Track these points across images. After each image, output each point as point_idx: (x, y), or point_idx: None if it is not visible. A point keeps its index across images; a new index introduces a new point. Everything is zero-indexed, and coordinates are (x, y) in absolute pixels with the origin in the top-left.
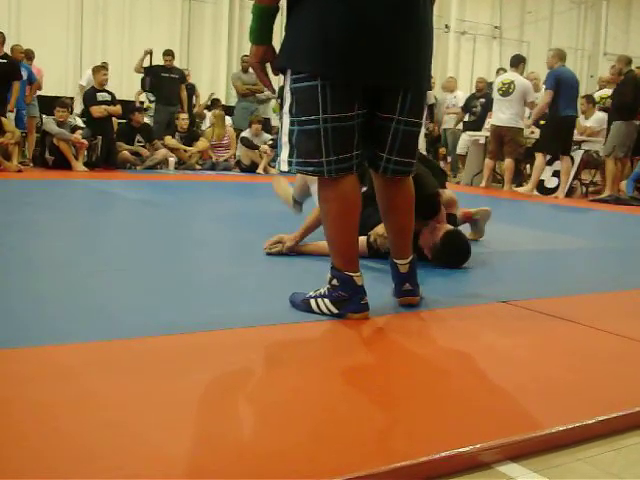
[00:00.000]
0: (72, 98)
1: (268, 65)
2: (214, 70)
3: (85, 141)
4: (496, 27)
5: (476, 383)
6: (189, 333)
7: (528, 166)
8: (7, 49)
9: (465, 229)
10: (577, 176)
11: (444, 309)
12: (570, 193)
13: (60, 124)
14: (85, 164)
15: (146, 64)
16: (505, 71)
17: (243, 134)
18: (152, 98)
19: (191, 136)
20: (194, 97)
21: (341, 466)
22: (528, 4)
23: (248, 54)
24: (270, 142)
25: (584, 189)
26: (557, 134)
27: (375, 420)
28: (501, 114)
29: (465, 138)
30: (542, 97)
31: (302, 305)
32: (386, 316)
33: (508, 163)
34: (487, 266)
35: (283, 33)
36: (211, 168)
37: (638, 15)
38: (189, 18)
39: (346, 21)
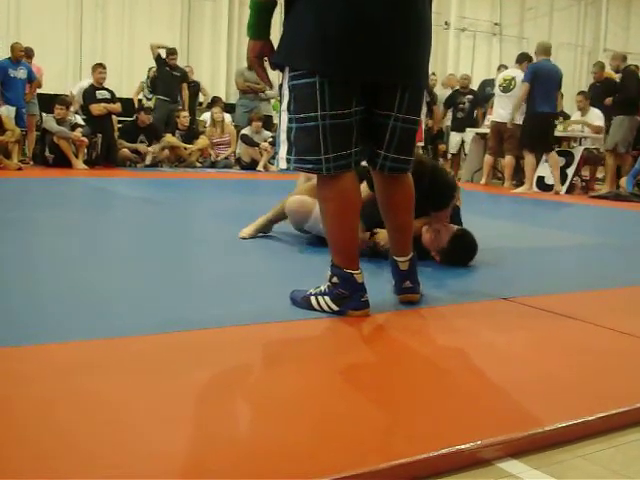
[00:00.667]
0: (68, 95)
1: (267, 62)
2: (214, 68)
3: (85, 139)
4: (496, 24)
5: (476, 380)
6: (189, 331)
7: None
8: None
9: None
10: (577, 172)
11: (444, 306)
12: (570, 190)
13: (60, 122)
14: (85, 162)
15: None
16: (506, 68)
17: (243, 131)
18: (149, 96)
19: (191, 134)
20: (200, 95)
21: (341, 464)
22: (528, 1)
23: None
24: (270, 139)
25: (583, 184)
26: (532, 131)
27: (375, 418)
28: (501, 110)
29: (456, 137)
30: (519, 91)
31: (302, 303)
32: (386, 313)
33: (508, 160)
34: (486, 263)
35: (281, 29)
36: (211, 166)
37: (638, 12)
38: (189, 16)
39: (344, 18)
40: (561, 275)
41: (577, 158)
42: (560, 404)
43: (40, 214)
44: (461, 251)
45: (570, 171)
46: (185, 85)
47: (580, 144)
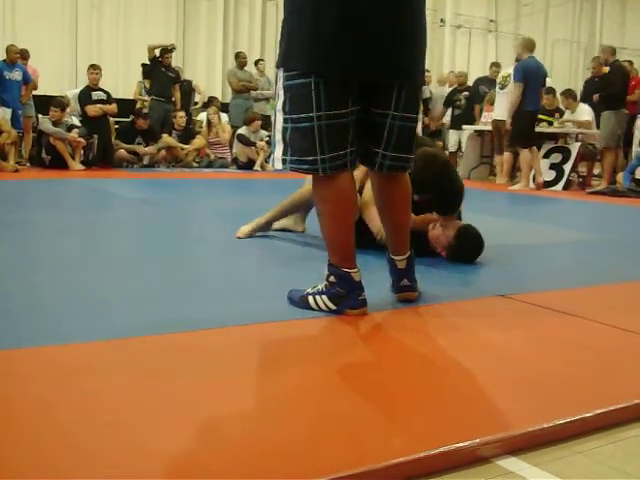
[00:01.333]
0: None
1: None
2: (209, 67)
3: (82, 140)
4: (492, 20)
5: (474, 378)
6: (188, 332)
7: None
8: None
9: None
10: (574, 169)
11: (442, 304)
12: (567, 186)
13: (56, 123)
14: (82, 163)
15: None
16: (498, 65)
17: (240, 131)
18: (146, 97)
19: (188, 134)
20: (195, 94)
21: (340, 463)
22: None
23: (243, 51)
24: (267, 139)
25: (580, 180)
26: (520, 128)
27: (374, 416)
28: (500, 107)
29: (454, 136)
30: (512, 91)
31: (300, 302)
32: (384, 312)
33: (506, 156)
34: (484, 260)
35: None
36: (208, 166)
37: (633, 7)
38: (184, 15)
39: (339, 17)
40: (559, 271)
41: (574, 154)
42: (559, 400)
43: (38, 215)
44: (468, 247)
45: (567, 167)
46: (177, 86)
47: (577, 140)
